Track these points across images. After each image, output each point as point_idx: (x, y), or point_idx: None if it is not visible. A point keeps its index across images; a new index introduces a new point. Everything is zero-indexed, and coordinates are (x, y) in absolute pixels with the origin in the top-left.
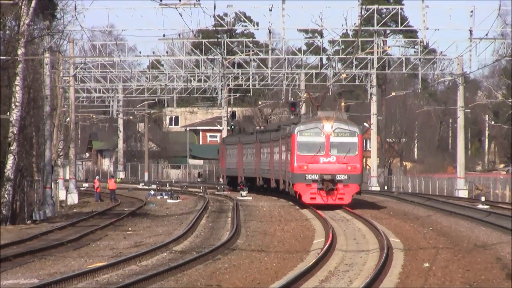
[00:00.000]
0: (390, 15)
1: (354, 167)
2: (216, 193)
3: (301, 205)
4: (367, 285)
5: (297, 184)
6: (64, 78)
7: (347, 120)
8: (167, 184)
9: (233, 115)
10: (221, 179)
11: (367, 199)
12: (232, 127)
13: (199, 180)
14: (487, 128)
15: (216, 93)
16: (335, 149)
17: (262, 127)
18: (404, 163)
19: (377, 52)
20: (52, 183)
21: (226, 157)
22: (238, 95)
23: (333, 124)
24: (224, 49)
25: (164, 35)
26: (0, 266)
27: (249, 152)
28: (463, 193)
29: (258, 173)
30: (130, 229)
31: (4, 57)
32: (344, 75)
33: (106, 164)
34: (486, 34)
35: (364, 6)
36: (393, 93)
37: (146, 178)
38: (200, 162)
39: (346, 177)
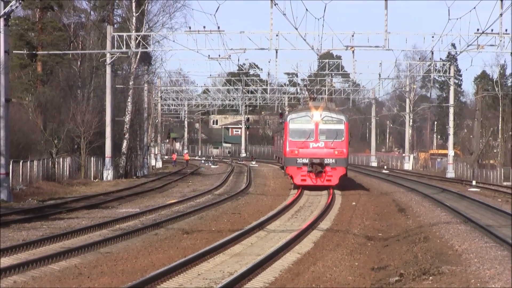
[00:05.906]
0: (335, 65)
1: (340, 151)
2: (238, 162)
3: (293, 185)
4: (321, 213)
5: (289, 167)
6: (154, 98)
7: (335, 109)
8: (211, 157)
9: (247, 119)
10: (241, 155)
11: None
12: (247, 126)
13: (228, 155)
14: (388, 128)
15: (239, 107)
16: (324, 135)
17: None
18: None
19: (327, 85)
20: (148, 156)
21: (274, 143)
22: (250, 108)
23: (321, 113)
24: (243, 83)
25: (210, 75)
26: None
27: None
28: (374, 164)
29: (279, 155)
30: (190, 181)
31: (122, 86)
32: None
33: (177, 145)
34: (388, 76)
35: (320, 60)
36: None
37: (199, 154)
38: (229, 145)
39: (334, 160)
